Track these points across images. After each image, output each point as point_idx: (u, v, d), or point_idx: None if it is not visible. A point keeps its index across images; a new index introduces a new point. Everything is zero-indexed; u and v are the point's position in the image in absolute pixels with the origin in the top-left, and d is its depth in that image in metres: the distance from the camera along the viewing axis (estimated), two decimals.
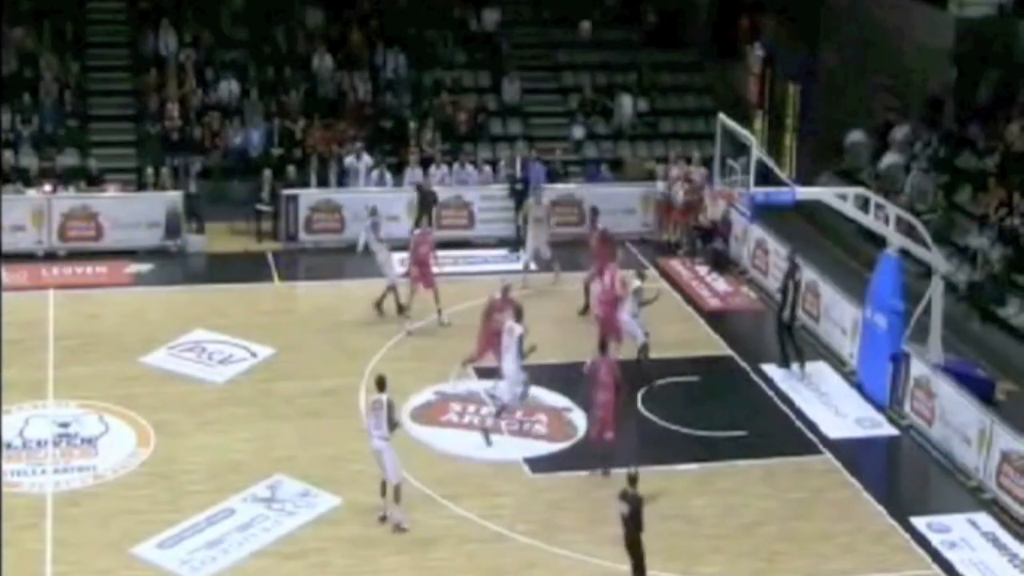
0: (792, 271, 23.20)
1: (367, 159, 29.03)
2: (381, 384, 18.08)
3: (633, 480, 16.45)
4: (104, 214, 27.29)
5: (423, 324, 24.01)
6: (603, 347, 20.12)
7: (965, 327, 24.24)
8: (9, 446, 19.57)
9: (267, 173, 28.34)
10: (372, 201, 27.48)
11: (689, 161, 28.94)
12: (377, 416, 17.92)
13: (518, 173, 28.79)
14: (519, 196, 28.19)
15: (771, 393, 22.35)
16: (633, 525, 16.34)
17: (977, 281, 24.74)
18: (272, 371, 22.44)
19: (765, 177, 23.07)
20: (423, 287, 24.10)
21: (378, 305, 24.39)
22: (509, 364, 20.55)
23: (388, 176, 28.88)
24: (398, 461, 18.00)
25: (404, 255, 24.98)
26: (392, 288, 24.47)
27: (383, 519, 18.03)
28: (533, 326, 23.62)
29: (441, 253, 26.27)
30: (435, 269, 24.34)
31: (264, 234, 28.10)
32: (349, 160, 29.02)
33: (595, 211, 26.43)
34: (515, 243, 27.88)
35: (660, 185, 28.99)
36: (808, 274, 24.86)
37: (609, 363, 19.63)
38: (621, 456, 19.18)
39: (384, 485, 18.09)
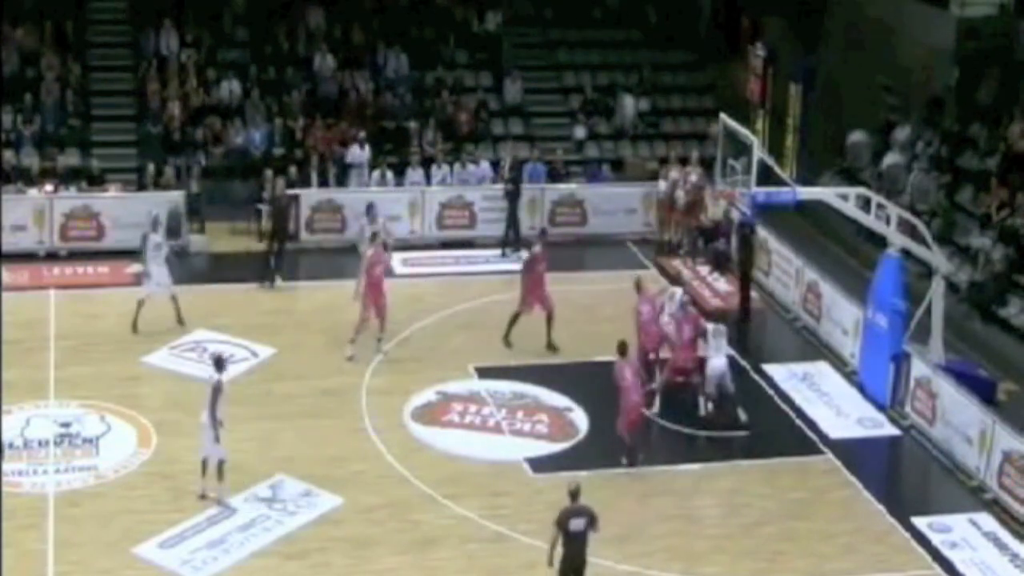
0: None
1: (367, 150, 28.99)
2: (217, 364, 18.50)
3: (575, 495, 15.99)
4: (105, 214, 27.31)
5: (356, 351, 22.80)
6: (622, 351, 19.97)
7: (966, 327, 24.24)
8: (10, 446, 19.59)
9: (268, 173, 28.36)
10: (373, 199, 27.55)
11: (687, 162, 28.94)
12: (208, 395, 18.23)
13: (507, 174, 28.54)
14: (511, 197, 28.09)
15: (772, 393, 22.36)
16: (585, 540, 15.93)
17: (978, 281, 24.74)
18: (273, 371, 22.45)
19: (766, 177, 23.09)
20: (374, 311, 22.68)
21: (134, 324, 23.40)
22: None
23: (389, 175, 28.88)
24: (215, 442, 18.22)
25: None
26: (143, 302, 23.46)
27: (202, 496, 18.38)
28: (532, 329, 23.68)
29: (443, 253, 26.44)
30: (388, 296, 22.87)
31: (265, 234, 28.07)
32: (353, 151, 28.95)
33: (544, 232, 24.84)
34: (505, 243, 27.81)
35: (662, 184, 28.98)
36: (809, 274, 24.95)
37: (633, 366, 19.66)
38: (617, 454, 19.37)
39: (204, 463, 18.38)
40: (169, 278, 23.86)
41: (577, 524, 15.90)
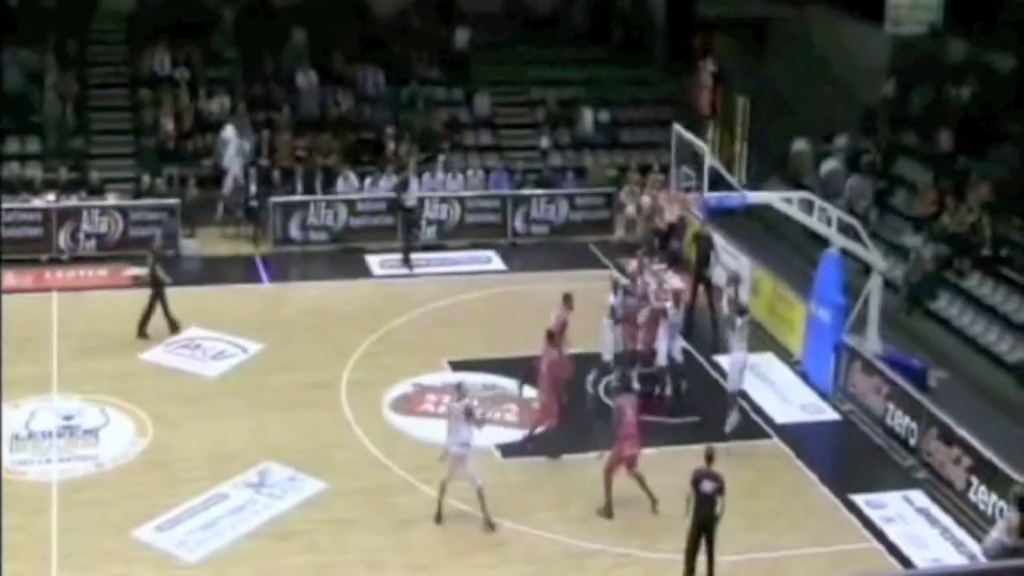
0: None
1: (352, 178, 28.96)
2: None
3: (711, 458, 16.51)
4: (104, 221, 27.16)
5: None
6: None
7: (901, 320, 24.38)
8: (16, 437, 19.53)
9: (252, 171, 28.37)
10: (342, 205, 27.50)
11: (646, 171, 28.97)
12: None
13: (399, 190, 27.82)
14: (405, 212, 27.53)
15: (723, 382, 22.39)
16: (714, 502, 16.44)
17: (911, 277, 24.86)
18: (261, 366, 22.39)
19: (717, 183, 23.15)
20: None
21: None
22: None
23: (352, 177, 28.76)
24: None
25: None
26: None
27: None
28: (502, 323, 23.73)
29: (419, 255, 26.25)
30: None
31: (253, 238, 28.03)
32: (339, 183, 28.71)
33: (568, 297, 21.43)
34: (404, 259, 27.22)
35: (624, 190, 29.03)
36: (757, 272, 25.05)
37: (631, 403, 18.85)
38: (578, 441, 19.36)
39: None
40: None
41: (708, 486, 16.30)
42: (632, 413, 18.36)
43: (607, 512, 18.18)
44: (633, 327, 21.97)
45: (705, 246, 25.21)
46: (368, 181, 28.94)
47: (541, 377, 19.77)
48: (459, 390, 18.02)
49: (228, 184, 28.43)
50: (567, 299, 21.32)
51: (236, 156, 28.59)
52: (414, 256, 27.08)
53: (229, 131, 28.90)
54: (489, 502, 18.20)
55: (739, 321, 20.62)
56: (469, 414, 17.71)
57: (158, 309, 23.19)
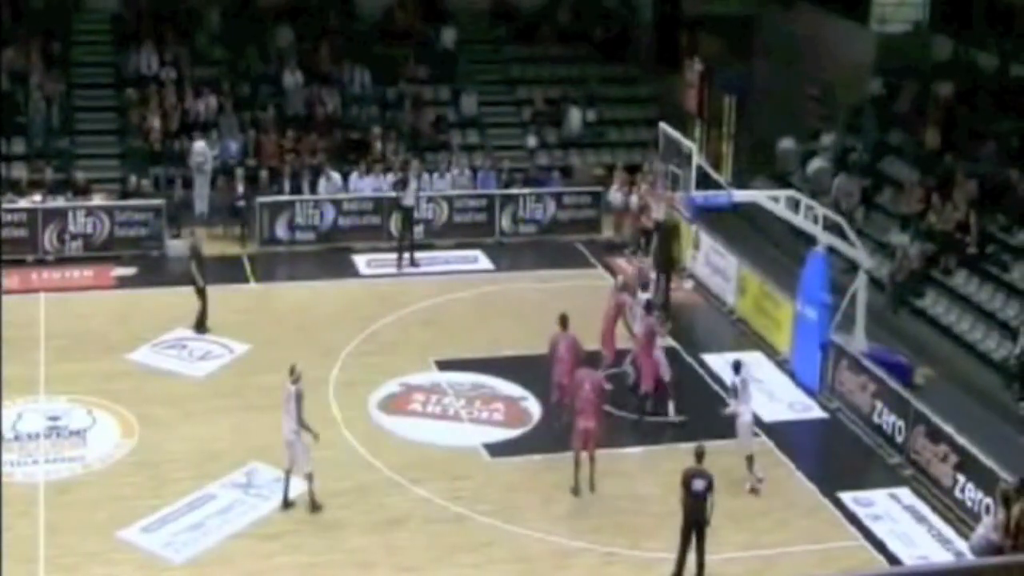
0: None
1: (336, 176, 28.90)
2: None
3: (700, 456, 16.69)
4: (90, 222, 27.10)
5: None
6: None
7: (887, 317, 24.44)
8: (3, 439, 19.45)
9: (239, 171, 28.32)
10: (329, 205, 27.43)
11: (634, 171, 28.99)
12: None
13: (398, 189, 27.69)
14: (403, 211, 27.47)
15: (710, 381, 22.45)
16: (705, 500, 16.55)
17: (897, 275, 24.92)
18: (248, 366, 22.35)
19: (704, 181, 23.17)
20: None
21: None
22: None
23: (335, 177, 28.68)
24: None
25: None
26: None
27: None
28: (489, 323, 23.70)
29: (405, 255, 26.11)
30: None
31: (240, 238, 27.99)
32: (321, 182, 28.73)
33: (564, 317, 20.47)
34: (399, 258, 27.16)
35: (613, 190, 29.05)
36: (744, 270, 25.08)
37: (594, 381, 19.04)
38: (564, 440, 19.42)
39: None
40: None
41: (698, 485, 16.36)
42: (590, 388, 18.46)
43: (575, 491, 18.45)
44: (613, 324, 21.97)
45: (671, 234, 25.37)
46: (354, 175, 28.88)
47: (560, 361, 19.78)
48: (293, 372, 18.06)
49: (202, 195, 28.34)
50: (625, 287, 22.23)
51: (207, 176, 28.48)
52: (414, 254, 27.08)
53: (202, 145, 28.72)
54: (476, 501, 18.23)
55: (737, 380, 19.37)
56: (299, 398, 17.78)
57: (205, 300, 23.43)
